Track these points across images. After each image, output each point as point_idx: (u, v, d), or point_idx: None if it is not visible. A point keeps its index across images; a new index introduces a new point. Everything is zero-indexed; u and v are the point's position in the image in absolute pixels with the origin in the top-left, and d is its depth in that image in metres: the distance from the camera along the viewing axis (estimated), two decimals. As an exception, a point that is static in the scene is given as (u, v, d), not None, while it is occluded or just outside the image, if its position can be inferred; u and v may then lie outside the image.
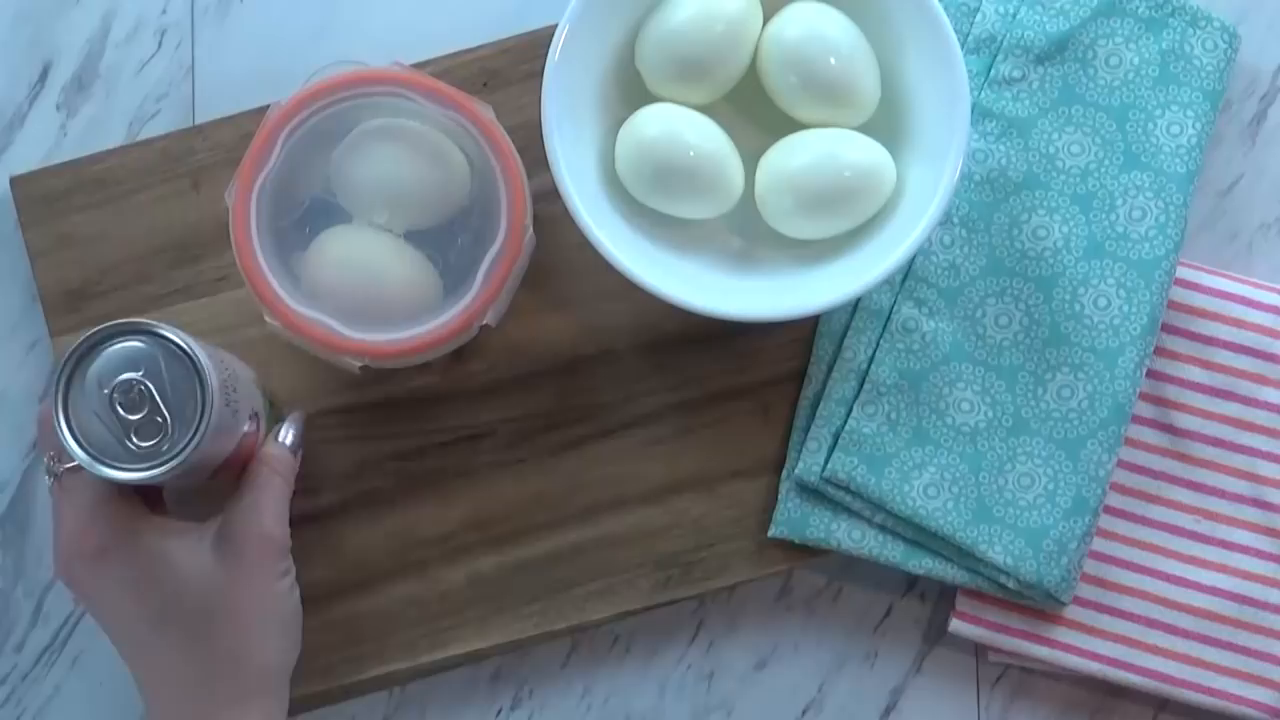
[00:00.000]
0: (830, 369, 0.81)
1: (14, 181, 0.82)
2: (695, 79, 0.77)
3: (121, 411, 0.65)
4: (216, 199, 0.81)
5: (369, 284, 0.71)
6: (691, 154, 0.76)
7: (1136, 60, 0.82)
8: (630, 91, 0.78)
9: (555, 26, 0.75)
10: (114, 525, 0.68)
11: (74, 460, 0.65)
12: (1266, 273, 0.84)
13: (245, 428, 0.71)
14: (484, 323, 0.73)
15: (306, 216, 0.74)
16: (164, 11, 0.85)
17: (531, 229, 0.73)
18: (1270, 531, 0.80)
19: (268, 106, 0.81)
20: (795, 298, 0.75)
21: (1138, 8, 0.82)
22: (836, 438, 0.80)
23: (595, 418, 0.81)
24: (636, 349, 0.81)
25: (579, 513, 0.80)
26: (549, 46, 0.75)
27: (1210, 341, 0.81)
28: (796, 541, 0.80)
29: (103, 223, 0.81)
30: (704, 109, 0.77)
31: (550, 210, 0.77)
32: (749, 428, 0.81)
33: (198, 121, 0.84)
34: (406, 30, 0.85)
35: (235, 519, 0.70)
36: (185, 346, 0.66)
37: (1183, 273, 0.82)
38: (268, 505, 0.71)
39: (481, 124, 0.73)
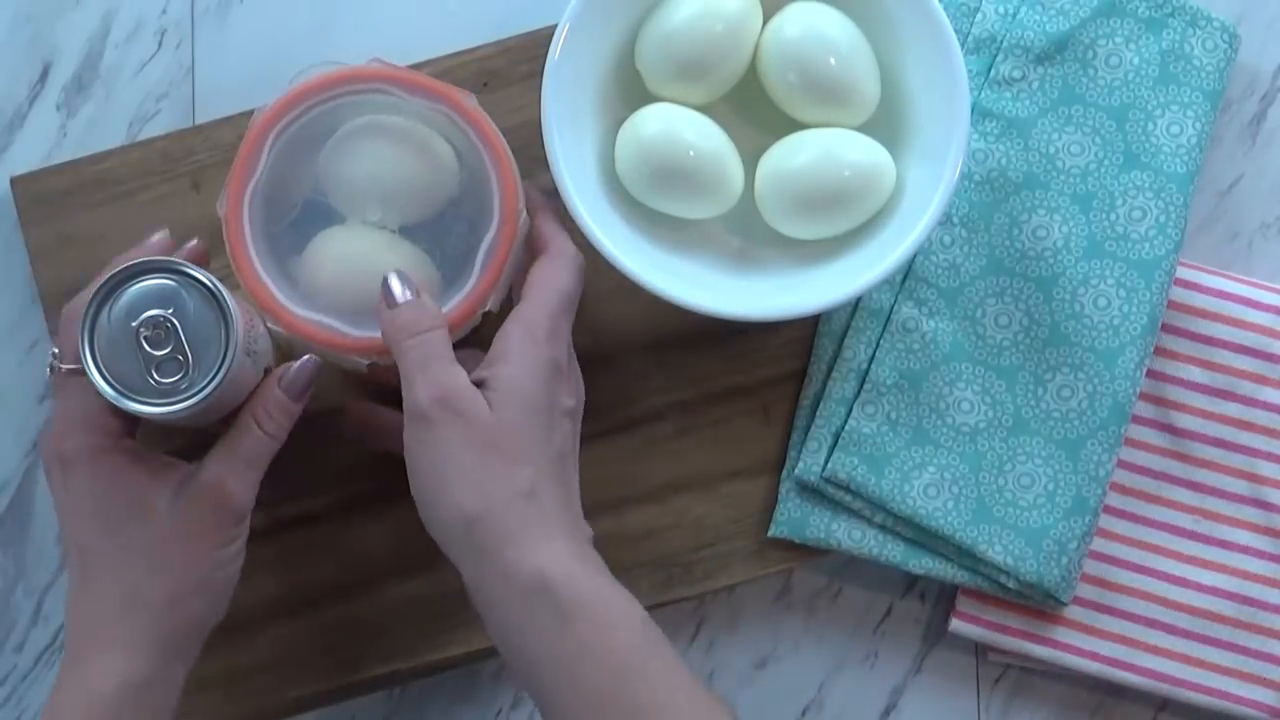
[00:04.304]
0: (830, 369, 0.81)
1: (14, 181, 0.82)
2: (695, 79, 0.77)
3: (146, 347, 0.66)
4: (216, 199, 0.81)
5: (367, 281, 0.71)
6: (691, 154, 0.76)
7: (1136, 60, 0.82)
8: (630, 91, 0.78)
9: (555, 26, 0.75)
10: (90, 440, 0.68)
11: (76, 365, 0.66)
12: (1266, 273, 0.84)
13: (261, 379, 0.71)
14: (486, 309, 0.73)
15: (300, 219, 0.74)
16: (164, 11, 0.85)
17: (525, 212, 0.73)
18: (1270, 531, 0.80)
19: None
20: (795, 298, 0.75)
21: (1138, 8, 0.82)
22: (836, 438, 0.80)
23: (595, 418, 0.80)
24: (636, 349, 0.81)
25: (579, 513, 0.80)
26: (549, 46, 0.75)
27: (1210, 341, 0.81)
28: (796, 541, 0.80)
29: (103, 223, 0.81)
30: (704, 109, 0.77)
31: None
32: (749, 428, 0.81)
33: (198, 121, 0.84)
34: (406, 30, 0.85)
35: (205, 468, 0.69)
36: (215, 289, 0.66)
37: (1183, 273, 0.82)
38: (238, 462, 0.69)
39: (465, 112, 0.73)
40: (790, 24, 0.76)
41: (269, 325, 0.72)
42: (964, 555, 0.79)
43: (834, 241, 0.77)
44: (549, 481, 0.69)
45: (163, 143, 0.82)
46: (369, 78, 0.72)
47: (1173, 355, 0.82)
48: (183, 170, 0.82)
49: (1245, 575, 0.80)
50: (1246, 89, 0.85)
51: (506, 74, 0.82)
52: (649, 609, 0.80)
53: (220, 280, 0.68)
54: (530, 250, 0.74)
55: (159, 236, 0.72)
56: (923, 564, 0.79)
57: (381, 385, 0.75)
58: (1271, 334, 0.81)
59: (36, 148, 0.84)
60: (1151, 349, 0.80)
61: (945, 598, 0.82)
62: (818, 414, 0.80)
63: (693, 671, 0.67)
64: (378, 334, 0.71)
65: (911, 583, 0.82)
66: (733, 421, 0.81)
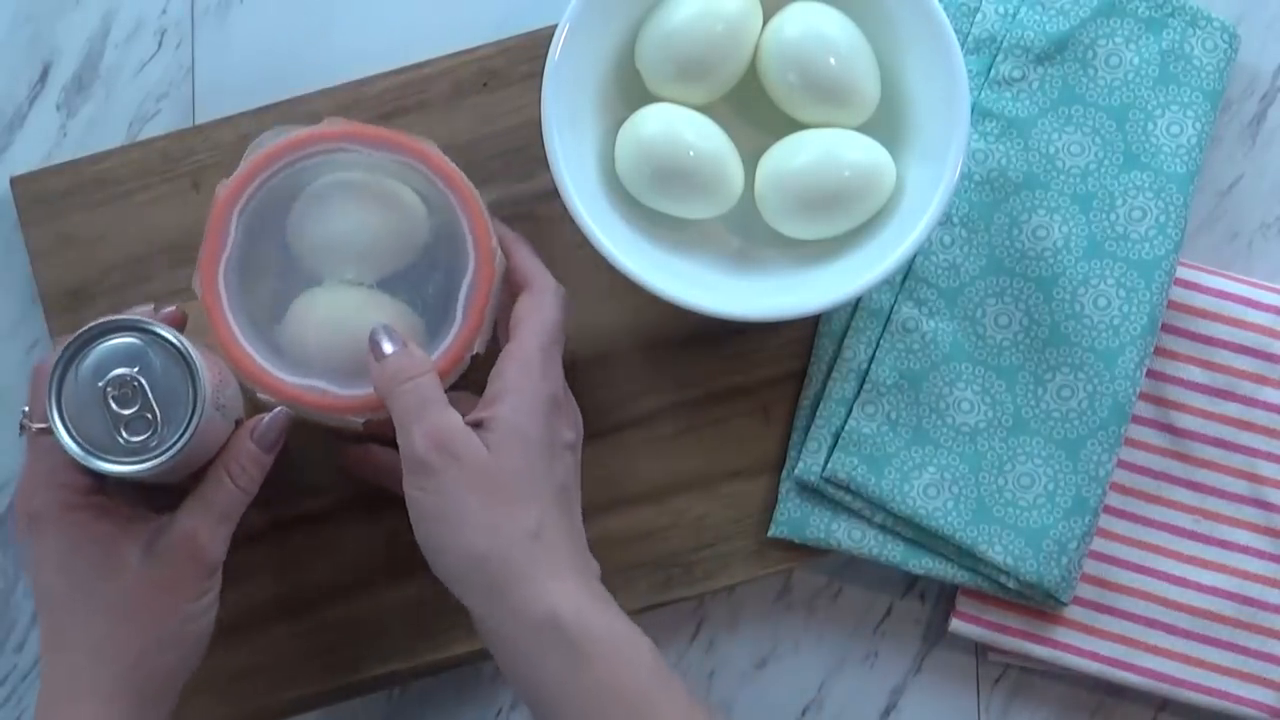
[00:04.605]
0: (830, 369, 0.81)
1: (14, 181, 0.82)
2: (695, 79, 0.77)
3: (114, 406, 0.66)
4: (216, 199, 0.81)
5: (352, 341, 0.71)
6: (691, 154, 0.76)
7: (1136, 60, 0.82)
8: (630, 91, 0.78)
9: (555, 26, 0.75)
10: (58, 497, 0.68)
11: (45, 424, 0.66)
12: (1266, 273, 0.84)
13: (233, 430, 0.71)
14: (473, 353, 0.72)
15: (276, 286, 0.73)
16: (164, 11, 0.85)
17: (500, 251, 0.73)
18: (1270, 531, 0.80)
19: (268, 106, 0.81)
20: (795, 298, 0.75)
21: (1138, 8, 0.82)
22: (836, 438, 0.80)
23: (595, 418, 0.80)
24: (636, 349, 0.81)
25: (579, 513, 0.80)
26: (549, 46, 0.75)
27: (1210, 341, 0.81)
28: (796, 541, 0.80)
29: (103, 223, 0.81)
30: (704, 109, 0.77)
31: (550, 210, 0.77)
32: (749, 428, 0.81)
33: (198, 121, 0.84)
34: (406, 30, 0.85)
35: (177, 521, 0.69)
36: (180, 346, 0.66)
37: (1183, 273, 0.82)
38: (210, 516, 0.69)
39: (427, 159, 0.73)
40: (790, 24, 0.76)
41: (261, 396, 0.72)
42: (964, 555, 0.79)
43: (834, 241, 0.77)
44: (554, 518, 0.69)
45: (163, 143, 0.82)
46: (326, 139, 0.72)
47: (1173, 355, 0.82)
48: (183, 170, 0.82)
49: (1245, 575, 0.80)
50: (1246, 89, 0.85)
51: (506, 74, 0.82)
52: (649, 609, 0.80)
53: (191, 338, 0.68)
54: (510, 287, 0.74)
55: (141, 309, 0.72)
56: (923, 564, 0.79)
57: (379, 441, 0.76)
58: (1271, 334, 0.81)
59: (36, 148, 0.84)
60: (1151, 349, 0.80)
61: (945, 598, 0.82)
62: (818, 414, 0.80)
63: (702, 703, 0.68)
64: (370, 390, 0.71)
65: (911, 583, 0.82)
66: (733, 421, 0.81)
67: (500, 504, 0.67)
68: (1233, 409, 0.81)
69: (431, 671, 0.80)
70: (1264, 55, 0.85)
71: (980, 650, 0.82)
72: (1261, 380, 0.81)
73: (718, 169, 0.76)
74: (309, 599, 0.80)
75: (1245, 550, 0.80)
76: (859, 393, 0.80)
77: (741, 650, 0.82)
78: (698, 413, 0.81)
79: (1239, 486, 0.81)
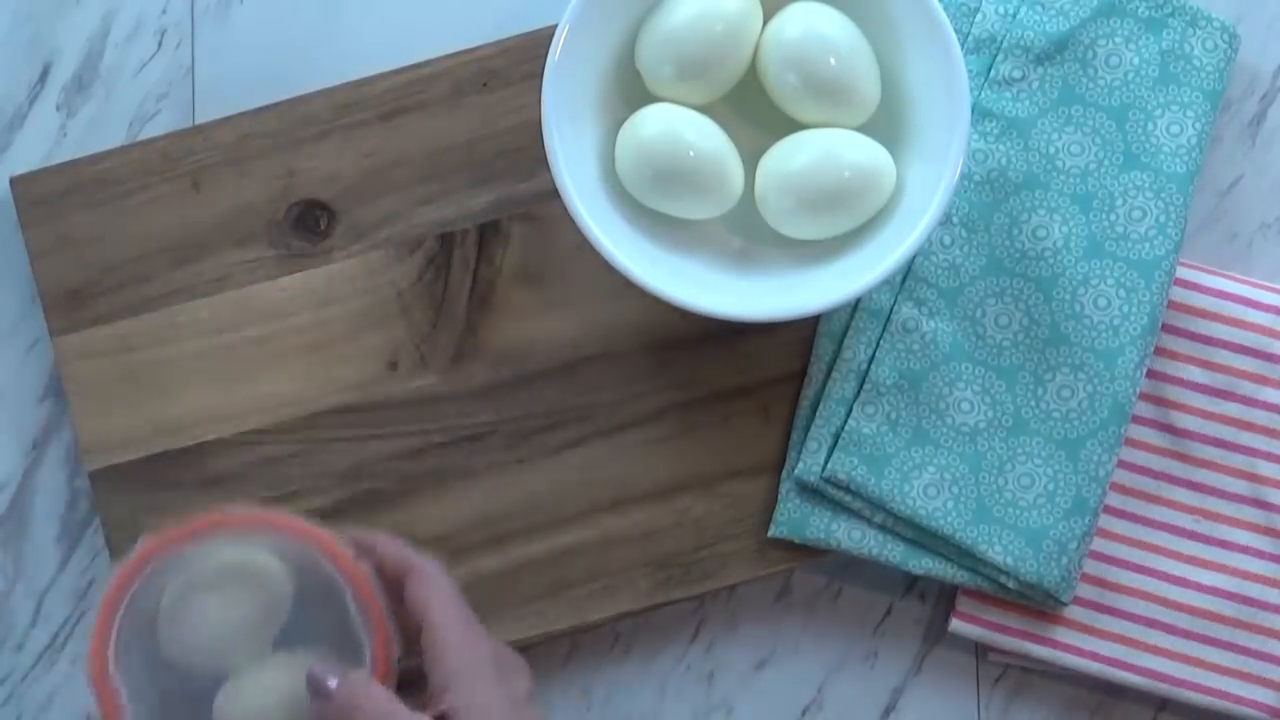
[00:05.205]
0: (830, 369, 0.81)
1: (14, 181, 0.82)
2: (695, 79, 0.77)
3: None
4: (216, 199, 0.81)
5: (289, 713, 0.70)
6: (691, 154, 0.76)
7: (1136, 60, 0.82)
8: (630, 91, 0.78)
9: (555, 26, 0.75)
10: None
11: None
12: (1266, 273, 0.84)
13: None
14: (396, 660, 0.71)
15: (191, 707, 0.71)
16: (164, 11, 0.85)
17: (357, 559, 0.71)
18: (1270, 531, 0.80)
19: (268, 106, 0.81)
20: (795, 298, 0.75)
21: (1138, 8, 0.82)
22: (836, 438, 0.80)
23: (595, 418, 0.81)
24: (637, 349, 0.81)
25: (579, 513, 0.80)
26: (549, 46, 0.75)
27: (1210, 341, 0.81)
28: (796, 541, 0.80)
29: (103, 223, 0.81)
30: (704, 109, 0.77)
31: (550, 210, 0.77)
32: (749, 428, 0.81)
33: (198, 121, 0.84)
34: (407, 30, 0.85)
35: None
36: None
37: (1183, 273, 0.82)
38: None
39: (256, 521, 0.71)
40: (790, 24, 0.76)
41: None
42: (964, 555, 0.79)
43: (834, 241, 0.77)
44: None
45: (163, 143, 0.82)
46: (141, 563, 0.70)
47: (1173, 355, 0.82)
48: (183, 170, 0.82)
49: (1245, 575, 0.80)
50: (1246, 89, 0.85)
51: (506, 74, 0.82)
52: (649, 609, 0.80)
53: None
54: (387, 580, 0.72)
55: None
56: (923, 564, 0.79)
57: None
58: (1271, 334, 0.81)
59: (36, 148, 0.84)
60: (1151, 349, 0.80)
61: (945, 598, 0.82)
62: (818, 414, 0.80)
63: None
64: None
65: (911, 583, 0.82)
66: (733, 421, 0.81)
67: None
68: (1233, 409, 0.81)
69: (431, 671, 0.80)
70: (1264, 55, 0.85)
71: (980, 650, 0.82)
72: (1261, 380, 0.81)
73: (718, 169, 0.76)
74: (309, 599, 0.80)
75: (1245, 550, 0.80)
76: (859, 393, 0.80)
77: (741, 651, 0.82)
78: (698, 413, 0.81)
79: (1239, 486, 0.81)
